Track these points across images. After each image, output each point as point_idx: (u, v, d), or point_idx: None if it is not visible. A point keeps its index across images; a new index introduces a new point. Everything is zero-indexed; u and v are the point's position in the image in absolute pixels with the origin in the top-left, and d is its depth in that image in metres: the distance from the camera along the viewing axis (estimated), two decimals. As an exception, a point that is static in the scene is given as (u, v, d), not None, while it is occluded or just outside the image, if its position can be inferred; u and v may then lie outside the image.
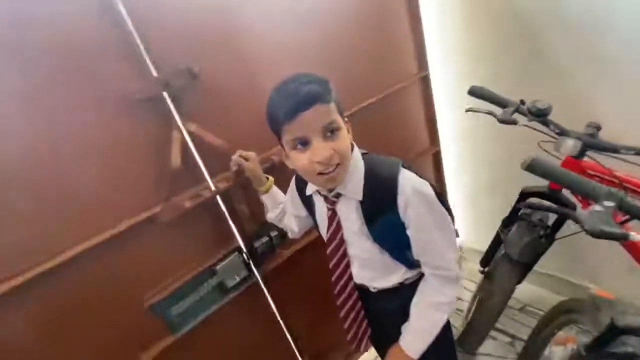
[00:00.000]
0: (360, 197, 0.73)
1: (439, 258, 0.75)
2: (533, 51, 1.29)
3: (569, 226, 1.12)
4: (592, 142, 0.90)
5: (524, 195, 1.17)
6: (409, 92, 1.58)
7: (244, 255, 1.12)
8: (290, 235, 1.03)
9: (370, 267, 0.83)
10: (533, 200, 1.14)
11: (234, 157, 0.97)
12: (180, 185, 0.97)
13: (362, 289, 0.88)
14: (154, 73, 0.87)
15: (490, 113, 1.02)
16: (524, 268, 1.19)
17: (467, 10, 1.43)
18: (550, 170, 0.67)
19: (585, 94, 1.23)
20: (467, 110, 1.05)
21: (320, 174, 0.66)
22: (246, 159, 0.96)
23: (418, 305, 0.81)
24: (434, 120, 1.72)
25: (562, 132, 0.95)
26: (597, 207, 0.60)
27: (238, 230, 1.10)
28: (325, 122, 0.64)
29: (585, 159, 0.98)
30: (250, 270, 1.15)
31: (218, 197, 1.04)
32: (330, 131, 0.65)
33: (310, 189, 0.83)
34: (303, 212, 0.93)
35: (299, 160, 0.67)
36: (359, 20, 1.29)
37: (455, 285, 0.77)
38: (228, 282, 1.09)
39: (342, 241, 0.81)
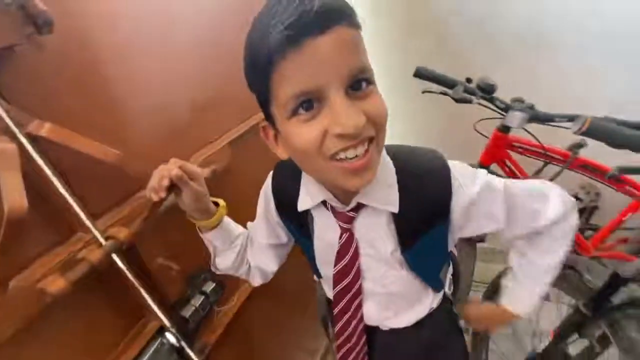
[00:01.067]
0: (395, 208, 0.48)
1: (540, 214, 0.51)
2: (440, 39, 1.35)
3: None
4: (534, 113, 0.95)
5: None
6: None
7: (173, 336, 0.69)
8: (257, 281, 0.67)
9: (394, 303, 0.58)
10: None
11: (160, 172, 0.50)
12: (33, 249, 0.49)
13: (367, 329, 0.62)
14: None
15: (444, 93, 0.95)
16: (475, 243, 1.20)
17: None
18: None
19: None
20: (424, 92, 0.96)
21: (338, 159, 0.39)
22: (190, 177, 0.51)
23: (526, 256, 0.57)
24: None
25: (508, 107, 0.96)
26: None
27: (156, 301, 0.66)
28: (354, 65, 0.37)
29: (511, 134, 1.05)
30: (184, 356, 0.71)
31: (115, 257, 0.58)
32: (360, 85, 0.38)
33: (307, 200, 0.52)
34: (283, 237, 0.62)
35: (302, 135, 0.38)
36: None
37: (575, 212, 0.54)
38: (152, 393, 0.64)
39: (358, 275, 0.55)
